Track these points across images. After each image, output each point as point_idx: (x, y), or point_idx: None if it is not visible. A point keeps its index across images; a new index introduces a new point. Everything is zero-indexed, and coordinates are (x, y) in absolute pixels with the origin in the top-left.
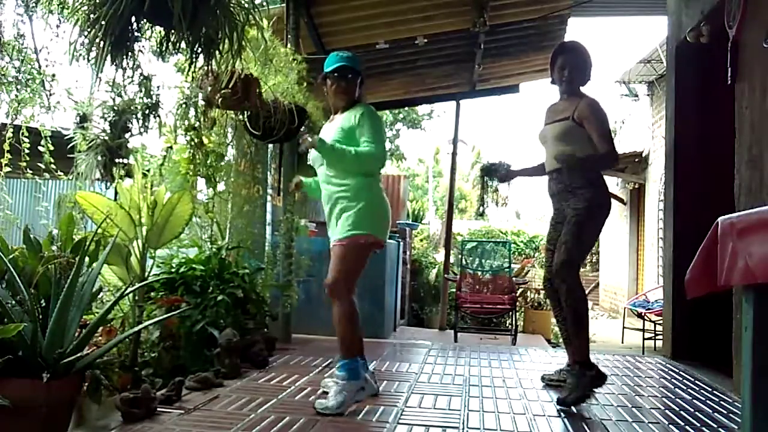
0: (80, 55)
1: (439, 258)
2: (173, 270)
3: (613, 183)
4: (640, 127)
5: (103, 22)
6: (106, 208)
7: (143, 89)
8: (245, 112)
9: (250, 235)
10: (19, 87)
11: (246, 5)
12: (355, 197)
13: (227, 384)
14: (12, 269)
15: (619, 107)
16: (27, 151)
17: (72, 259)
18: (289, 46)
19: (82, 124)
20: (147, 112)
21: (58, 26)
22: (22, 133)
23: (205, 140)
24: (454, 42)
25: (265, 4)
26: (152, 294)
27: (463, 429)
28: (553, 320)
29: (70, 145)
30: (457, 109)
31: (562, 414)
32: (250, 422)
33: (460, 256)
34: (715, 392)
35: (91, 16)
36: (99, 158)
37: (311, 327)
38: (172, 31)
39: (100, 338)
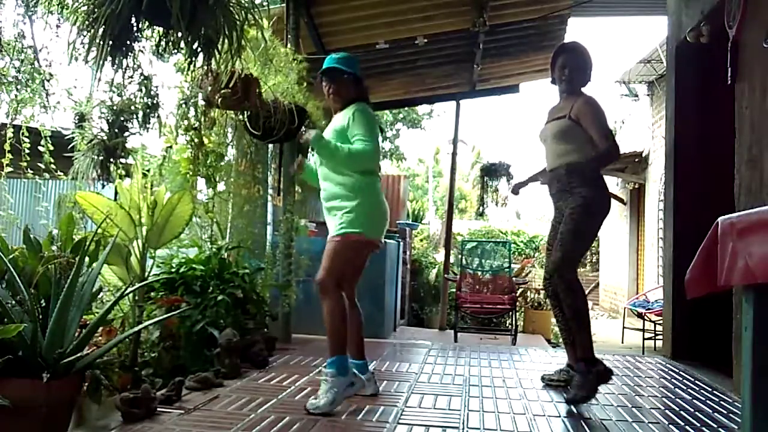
0: (80, 55)
1: (439, 258)
2: (173, 270)
3: (613, 183)
4: (640, 127)
5: (102, 22)
6: (106, 208)
7: (143, 89)
8: (245, 112)
9: (250, 235)
10: (19, 87)
11: (245, 5)
12: (351, 196)
13: (227, 384)
14: (12, 269)
15: (619, 107)
16: (27, 151)
17: (72, 259)
18: (289, 46)
19: (80, 124)
20: (147, 111)
21: (58, 26)
22: (22, 133)
23: (205, 140)
24: (454, 42)
25: (265, 4)
26: (152, 294)
27: (463, 429)
28: (553, 320)
29: (71, 145)
30: (457, 109)
31: (562, 414)
32: (250, 422)
33: (460, 256)
34: (715, 392)
35: (91, 16)
36: (95, 157)
37: (311, 327)
38: (171, 30)
39: (100, 338)
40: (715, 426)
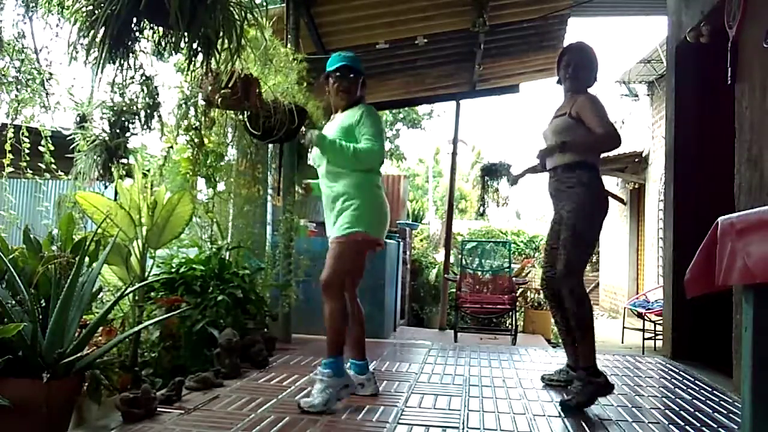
0: (80, 55)
1: (439, 258)
2: (173, 270)
3: (613, 183)
4: (640, 127)
5: (102, 23)
6: (106, 208)
7: (144, 89)
8: (245, 112)
9: (250, 235)
10: (19, 87)
11: (245, 5)
12: (353, 195)
13: (227, 384)
14: (12, 269)
15: (619, 107)
16: (27, 151)
17: (72, 259)
18: (289, 46)
19: (81, 124)
20: (147, 111)
21: (58, 26)
22: (22, 133)
23: (205, 140)
24: (454, 42)
25: (265, 4)
26: (152, 294)
27: (463, 429)
28: (553, 320)
29: (72, 146)
30: (457, 109)
31: (562, 414)
32: (250, 422)
33: (460, 256)
34: (715, 392)
35: (91, 16)
36: (96, 158)
37: (311, 327)
38: (171, 30)
39: (100, 338)
40: (715, 426)
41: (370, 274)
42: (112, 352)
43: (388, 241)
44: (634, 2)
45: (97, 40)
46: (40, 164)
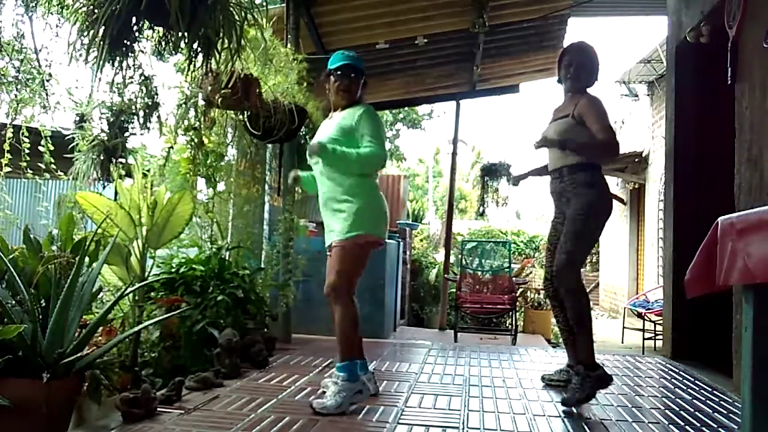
0: (80, 55)
1: (439, 258)
2: (173, 270)
3: (613, 183)
4: (640, 127)
5: (102, 22)
6: (106, 208)
7: (144, 89)
8: (245, 112)
9: (250, 235)
10: (19, 87)
11: (245, 5)
12: (352, 197)
13: (227, 384)
14: (12, 269)
15: (619, 107)
16: (27, 151)
17: (72, 259)
18: (289, 46)
19: (81, 124)
20: (146, 111)
21: (57, 26)
22: (22, 133)
23: (205, 140)
24: (454, 42)
25: (265, 4)
26: (152, 294)
27: (463, 429)
28: (553, 320)
29: (71, 146)
30: (457, 109)
31: (562, 414)
32: (250, 422)
33: (460, 256)
34: (715, 392)
35: (90, 16)
36: (95, 157)
37: (311, 327)
38: (171, 30)
39: (100, 338)
40: (715, 426)
41: (370, 274)
42: (112, 352)
43: (388, 241)
44: (634, 2)
45: (97, 40)
46: (39, 164)
